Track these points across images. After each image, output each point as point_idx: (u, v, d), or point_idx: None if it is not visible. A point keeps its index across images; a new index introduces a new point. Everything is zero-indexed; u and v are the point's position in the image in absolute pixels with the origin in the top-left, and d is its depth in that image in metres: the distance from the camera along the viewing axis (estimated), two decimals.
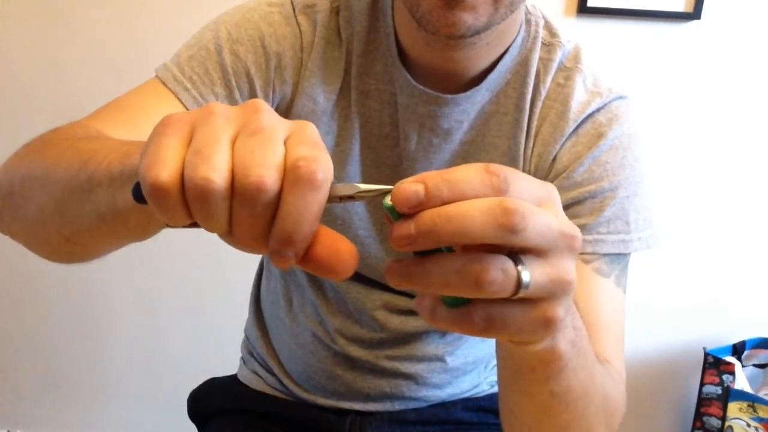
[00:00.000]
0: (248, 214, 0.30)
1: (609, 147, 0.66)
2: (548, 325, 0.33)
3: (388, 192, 0.32)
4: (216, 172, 0.29)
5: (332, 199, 0.32)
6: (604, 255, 0.65)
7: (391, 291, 0.77)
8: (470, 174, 0.31)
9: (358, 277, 0.77)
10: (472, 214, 0.30)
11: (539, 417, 0.50)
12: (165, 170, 0.30)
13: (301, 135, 0.32)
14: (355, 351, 0.79)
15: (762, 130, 1.57)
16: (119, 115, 0.61)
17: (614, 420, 0.57)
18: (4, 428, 1.79)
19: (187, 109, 0.63)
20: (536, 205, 0.32)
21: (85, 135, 0.53)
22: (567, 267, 0.33)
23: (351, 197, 0.33)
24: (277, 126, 0.32)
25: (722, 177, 1.59)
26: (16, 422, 1.80)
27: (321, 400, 0.82)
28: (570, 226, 0.33)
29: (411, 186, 0.31)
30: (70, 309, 1.68)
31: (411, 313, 0.77)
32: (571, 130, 0.66)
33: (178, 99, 0.64)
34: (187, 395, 0.94)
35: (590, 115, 0.67)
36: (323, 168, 0.30)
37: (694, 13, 1.46)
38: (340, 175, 0.71)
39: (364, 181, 0.72)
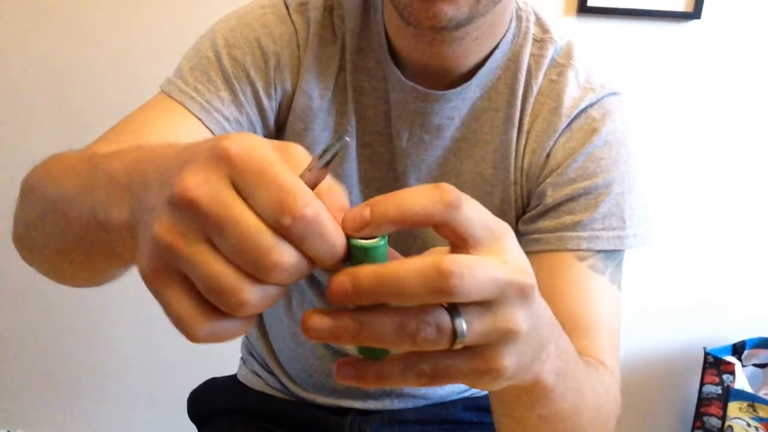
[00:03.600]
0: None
1: (603, 143, 0.66)
2: (494, 374, 0.32)
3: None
4: (230, 289, 0.29)
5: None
6: (599, 252, 0.65)
7: None
8: (418, 191, 0.30)
9: None
10: (406, 276, 0.29)
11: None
12: (194, 329, 0.30)
13: (251, 179, 0.29)
14: (354, 348, 0.79)
15: (762, 129, 1.57)
16: (129, 137, 0.60)
17: (609, 425, 0.57)
18: (4, 428, 1.79)
19: (196, 116, 0.64)
20: (488, 238, 0.31)
21: (58, 161, 0.53)
22: (513, 316, 0.32)
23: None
24: (222, 201, 0.29)
25: (722, 176, 1.59)
26: (16, 422, 1.80)
27: (321, 399, 0.82)
28: (521, 273, 0.32)
29: (357, 208, 0.30)
30: (70, 309, 1.68)
31: None
32: (564, 125, 0.67)
33: (186, 108, 0.64)
34: (187, 395, 0.94)
35: (583, 111, 0.67)
36: (301, 202, 0.29)
37: (694, 13, 1.46)
38: (337, 171, 0.71)
39: (361, 178, 0.72)
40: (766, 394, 1.57)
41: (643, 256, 1.62)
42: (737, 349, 1.63)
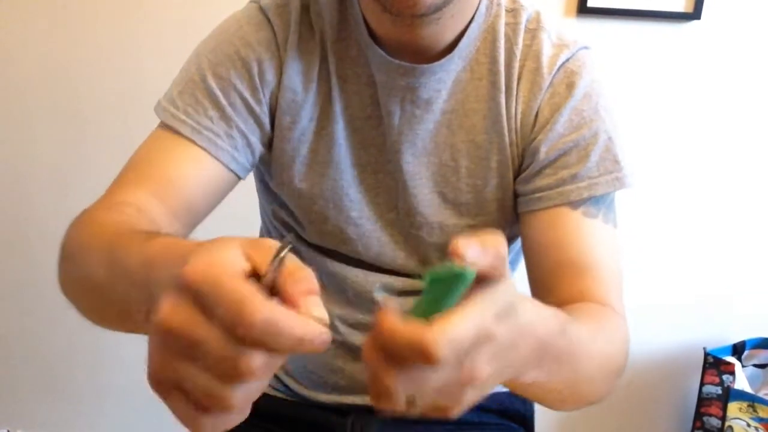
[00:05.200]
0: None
1: (583, 95, 0.70)
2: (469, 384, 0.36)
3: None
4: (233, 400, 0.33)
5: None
6: (590, 197, 0.69)
7: (389, 272, 0.79)
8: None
9: (355, 261, 0.77)
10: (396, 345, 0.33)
11: (533, 397, 0.54)
12: (198, 427, 0.35)
13: (207, 302, 0.33)
14: (358, 338, 0.79)
15: (762, 129, 1.57)
16: (135, 177, 0.68)
17: (617, 372, 0.60)
18: (4, 428, 1.79)
19: (188, 138, 0.69)
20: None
21: (94, 238, 0.57)
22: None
23: None
24: (193, 326, 0.33)
25: (722, 176, 1.59)
26: (16, 422, 1.80)
27: (322, 397, 0.82)
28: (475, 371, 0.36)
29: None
30: (70, 309, 1.68)
31: (410, 294, 0.79)
32: (547, 83, 0.71)
33: (178, 132, 0.69)
34: None
35: (562, 65, 0.71)
36: (249, 311, 0.31)
37: (694, 13, 1.46)
38: (326, 158, 0.74)
39: (354, 162, 0.75)
40: (766, 394, 1.57)
41: (644, 256, 1.62)
42: (737, 350, 1.64)
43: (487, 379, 0.36)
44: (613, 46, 1.50)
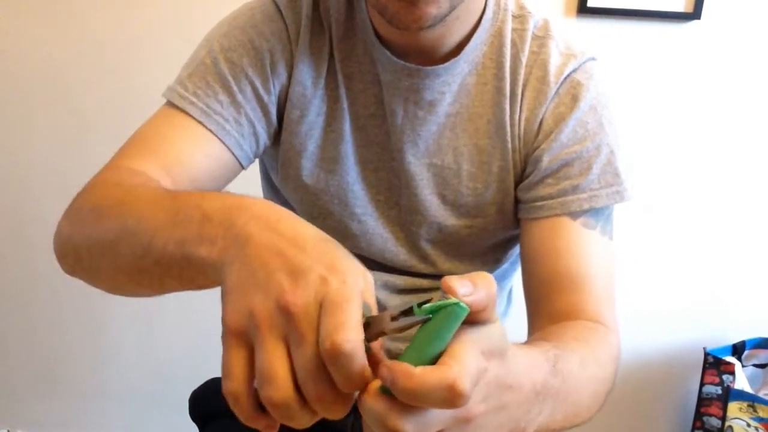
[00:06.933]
0: (314, 402, 0.36)
1: (588, 107, 0.70)
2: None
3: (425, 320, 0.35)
4: (281, 392, 0.35)
5: (376, 334, 0.36)
6: (591, 208, 0.69)
7: (390, 271, 0.79)
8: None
9: (357, 258, 0.78)
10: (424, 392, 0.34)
11: None
12: (234, 384, 0.37)
13: (328, 308, 0.35)
14: None
15: (762, 130, 1.57)
16: (143, 149, 0.66)
17: (608, 392, 0.59)
18: (4, 428, 1.79)
19: (197, 120, 0.68)
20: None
21: (131, 192, 0.56)
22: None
23: (383, 332, 0.36)
24: (311, 322, 0.35)
25: (722, 177, 1.59)
26: (16, 422, 1.80)
27: None
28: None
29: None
30: (70, 308, 1.68)
31: (410, 292, 0.80)
32: (553, 92, 0.71)
33: (187, 113, 0.68)
34: (187, 395, 0.94)
35: (568, 76, 0.71)
36: (347, 336, 0.34)
37: (694, 13, 1.46)
38: (333, 154, 0.75)
39: (358, 159, 0.76)
40: (766, 394, 1.57)
41: (644, 256, 1.62)
42: (737, 350, 1.64)
43: (483, 419, 0.37)
44: (613, 46, 1.50)
